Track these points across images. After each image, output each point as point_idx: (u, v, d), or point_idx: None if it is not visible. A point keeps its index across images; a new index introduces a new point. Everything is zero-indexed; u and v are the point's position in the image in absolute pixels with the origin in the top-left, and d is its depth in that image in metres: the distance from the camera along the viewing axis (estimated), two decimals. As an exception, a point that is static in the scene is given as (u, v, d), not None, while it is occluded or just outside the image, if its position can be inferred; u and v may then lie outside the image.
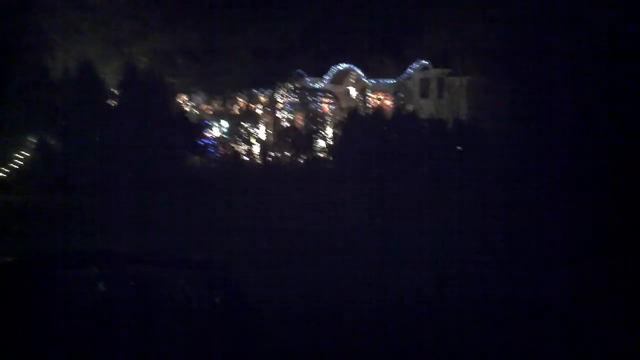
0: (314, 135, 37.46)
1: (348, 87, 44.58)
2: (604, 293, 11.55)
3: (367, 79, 42.97)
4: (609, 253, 15.42)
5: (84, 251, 14.64)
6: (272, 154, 37.90)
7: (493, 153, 33.51)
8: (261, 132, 41.27)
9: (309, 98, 42.14)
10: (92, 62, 27.07)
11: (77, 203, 23.90)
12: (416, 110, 36.06)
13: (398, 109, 38.53)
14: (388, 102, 41.66)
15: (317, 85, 44.09)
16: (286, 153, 37.11)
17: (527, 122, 35.79)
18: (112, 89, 28.30)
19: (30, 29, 27.53)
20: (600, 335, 9.48)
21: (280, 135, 40.11)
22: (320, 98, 42.89)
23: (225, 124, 40.79)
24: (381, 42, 42.73)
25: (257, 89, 42.85)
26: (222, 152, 35.79)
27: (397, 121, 33.68)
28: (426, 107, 40.06)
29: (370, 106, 41.83)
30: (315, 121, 41.58)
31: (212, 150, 34.67)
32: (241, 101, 44.03)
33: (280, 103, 41.09)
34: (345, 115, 42.34)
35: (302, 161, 35.63)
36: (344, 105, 43.59)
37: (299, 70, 43.33)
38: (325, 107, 43.33)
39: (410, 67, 42.36)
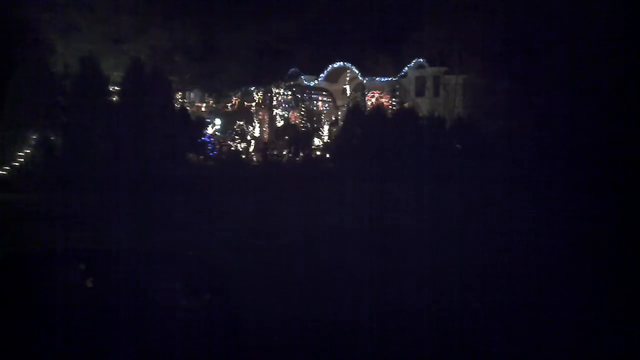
0: (309, 133, 37.31)
1: (344, 86, 44.51)
2: (606, 293, 11.45)
3: (362, 77, 42.88)
4: (610, 252, 15.41)
5: (70, 248, 14.57)
6: (268, 151, 37.74)
7: (488, 151, 33.56)
8: (256, 130, 41.12)
9: (304, 96, 42.08)
10: (93, 58, 26.71)
11: (76, 200, 23.57)
12: (412, 108, 35.97)
13: (394, 107, 38.50)
14: (383, 100, 41.60)
15: (311, 84, 44.02)
16: (282, 151, 36.95)
17: (523, 120, 35.99)
18: (114, 86, 27.94)
19: (31, 24, 27.12)
20: (602, 337, 9.35)
21: (276, 133, 40.01)
22: (316, 96, 42.88)
23: (218, 121, 40.62)
24: (377, 40, 42.63)
25: (252, 87, 42.65)
26: (218, 150, 35.56)
27: (394, 119, 33.54)
28: (422, 106, 40.03)
29: (365, 104, 41.77)
30: (311, 119, 41.57)
31: (210, 148, 34.46)
32: (235, 99, 43.89)
33: (275, 101, 40.91)
34: (340, 113, 42.53)
35: (298, 159, 35.50)
36: (339, 103, 43.62)
37: (294, 69, 43.23)
38: (321, 105, 43.34)
39: (407, 66, 42.40)
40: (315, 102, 42.72)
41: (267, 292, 11.71)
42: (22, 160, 25.83)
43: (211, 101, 43.67)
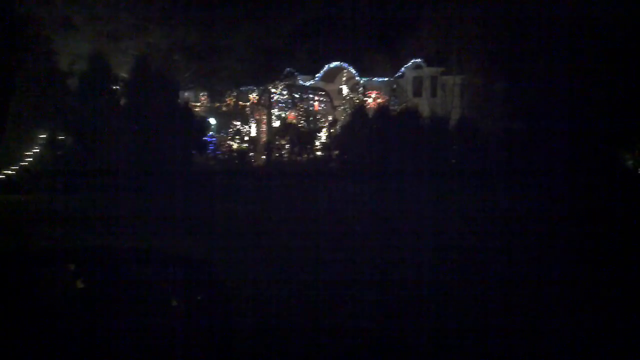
0: (311, 133, 37.09)
1: (340, 86, 44.35)
2: (607, 293, 11.50)
3: (359, 77, 42.75)
4: (609, 251, 15.48)
5: (60, 248, 14.37)
6: (265, 151, 37.48)
7: (485, 152, 33.70)
8: (252, 130, 40.79)
9: (301, 95, 41.83)
10: (101, 56, 26.20)
11: (83, 201, 23.12)
12: (409, 108, 35.96)
13: (391, 107, 38.39)
14: (380, 101, 41.51)
15: (308, 83, 43.79)
16: (282, 151, 36.69)
17: (520, 120, 36.20)
18: (119, 84, 27.44)
19: (35, 23, 26.50)
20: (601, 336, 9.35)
21: (276, 133, 39.71)
22: (313, 96, 42.65)
23: (213, 121, 40.25)
24: (374, 40, 42.67)
25: (248, 87, 42.32)
26: (220, 150, 35.23)
27: (392, 119, 33.47)
28: (419, 106, 40.03)
29: (362, 104, 41.66)
30: (309, 119, 41.35)
31: (212, 148, 34.11)
32: (230, 99, 43.51)
33: (271, 101, 40.59)
34: (337, 113, 42.40)
35: (301, 159, 35.28)
36: (336, 103, 43.44)
37: (290, 68, 42.97)
38: (317, 105, 43.12)
39: (404, 66, 42.41)
40: (312, 102, 42.48)
41: (267, 293, 11.55)
42: (30, 160, 25.21)
43: (205, 100, 43.28)
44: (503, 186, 28.21)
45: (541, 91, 36.11)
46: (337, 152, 34.37)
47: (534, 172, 30.40)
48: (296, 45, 42.63)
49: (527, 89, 36.68)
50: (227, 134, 39.89)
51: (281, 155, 35.34)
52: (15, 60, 25.79)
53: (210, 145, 33.97)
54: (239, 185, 27.51)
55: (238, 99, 42.92)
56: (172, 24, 36.61)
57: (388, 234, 17.81)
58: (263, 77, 41.52)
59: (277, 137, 37.47)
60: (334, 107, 43.05)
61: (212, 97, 41.92)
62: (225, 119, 41.38)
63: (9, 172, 24.95)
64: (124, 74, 28.61)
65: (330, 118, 42.17)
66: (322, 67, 43.86)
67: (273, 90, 40.42)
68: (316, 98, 42.83)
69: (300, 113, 40.85)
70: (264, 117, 41.25)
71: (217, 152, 34.81)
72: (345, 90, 43.93)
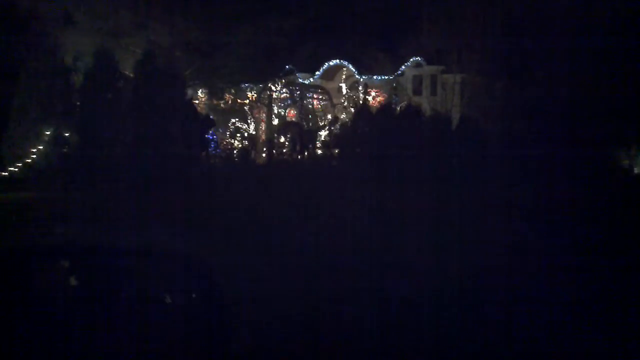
0: (313, 131, 36.93)
1: (339, 84, 44.17)
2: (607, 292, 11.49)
3: (359, 75, 42.60)
4: (610, 251, 15.46)
5: (54, 243, 14.23)
6: (264, 149, 37.31)
7: (486, 150, 33.65)
8: (251, 127, 40.55)
9: (301, 94, 41.63)
10: (107, 52, 25.86)
11: (89, 198, 22.81)
12: (413, 106, 35.86)
13: (392, 105, 38.24)
14: (380, 99, 41.39)
15: (307, 81, 43.58)
16: (283, 149, 36.49)
17: (521, 119, 36.20)
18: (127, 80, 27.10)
19: (38, 19, 26.16)
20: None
21: (277, 131, 39.52)
22: (312, 94, 42.47)
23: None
24: (374, 38, 42.52)
25: (247, 84, 42.05)
26: (221, 148, 34.98)
27: (396, 117, 33.37)
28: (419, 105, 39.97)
29: (362, 102, 41.53)
30: (308, 117, 41.20)
31: (214, 145, 33.84)
32: (228, 96, 43.23)
33: (272, 99, 40.36)
34: (337, 111, 42.27)
35: (304, 157, 35.09)
36: (335, 101, 43.28)
37: (289, 66, 42.70)
38: (317, 103, 42.95)
39: (404, 64, 42.30)
40: (312, 100, 42.30)
41: (263, 288, 11.25)
42: (35, 156, 24.83)
43: (204, 98, 42.91)
44: (506, 184, 28.11)
45: (541, 90, 36.17)
46: (338, 150, 34.20)
47: (532, 171, 30.47)
48: (295, 43, 42.32)
49: (528, 88, 36.73)
50: (226, 131, 39.62)
51: (283, 153, 35.13)
52: (19, 57, 25.46)
53: (212, 143, 33.68)
54: (246, 184, 27.27)
55: (236, 96, 42.66)
56: (173, 20, 36.21)
57: (398, 234, 17.69)
58: (262, 75, 41.21)
59: (278, 136, 37.28)
60: (334, 106, 42.88)
61: (211, 95, 41.54)
62: (224, 117, 41.10)
63: (13, 169, 24.58)
64: (126, 72, 28.23)
65: (329, 116, 42.04)
66: (322, 65, 43.69)
67: (273, 88, 40.19)
68: (316, 96, 42.65)
69: (301, 111, 40.67)
70: (263, 115, 41.04)
71: (218, 150, 34.53)
72: (344, 88, 43.76)
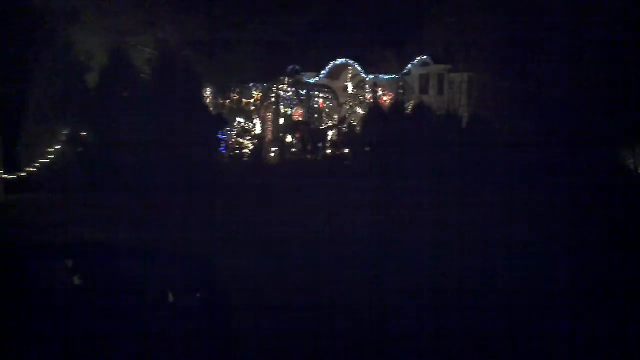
0: (324, 131, 36.65)
1: (345, 83, 43.90)
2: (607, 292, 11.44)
3: (365, 74, 42.34)
4: (612, 251, 15.44)
5: (58, 243, 14.14)
6: (272, 149, 37.01)
7: (494, 150, 33.57)
8: (257, 127, 40.19)
9: (308, 93, 41.35)
10: (124, 50, 25.45)
11: (106, 200, 22.49)
12: (424, 105, 35.69)
13: (399, 104, 38.05)
14: (387, 98, 41.15)
15: (312, 81, 43.27)
16: (291, 149, 36.20)
17: (528, 119, 36.16)
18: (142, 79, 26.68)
19: (52, 16, 25.71)
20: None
21: (281, 131, 39.23)
22: (319, 93, 42.20)
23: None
24: (380, 37, 42.27)
25: (254, 84, 41.67)
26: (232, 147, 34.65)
27: (403, 116, 33.23)
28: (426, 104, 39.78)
29: (368, 102, 41.32)
30: (315, 117, 40.99)
31: (224, 145, 33.50)
32: (233, 95, 42.81)
33: (276, 98, 40.04)
34: (344, 111, 42.02)
35: (310, 157, 34.80)
36: (342, 100, 43.03)
37: (294, 65, 42.33)
38: (324, 102, 42.68)
39: (410, 63, 42.09)
40: (318, 99, 42.04)
41: (266, 291, 11.26)
42: (52, 157, 24.37)
43: (209, 97, 42.47)
44: (506, 188, 27.98)
45: (548, 90, 36.14)
46: (350, 150, 34.02)
47: (537, 171, 30.47)
48: (301, 42, 42.04)
49: (534, 87, 36.67)
50: (232, 131, 39.22)
51: (294, 153, 34.83)
52: (33, 55, 25.01)
53: (222, 143, 33.38)
54: (262, 184, 26.99)
55: (242, 95, 42.24)
56: (180, 19, 35.80)
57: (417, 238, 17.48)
58: (267, 74, 40.91)
59: (287, 135, 37.03)
60: (340, 105, 42.63)
61: (217, 94, 41.11)
62: (229, 116, 40.69)
63: (31, 169, 24.11)
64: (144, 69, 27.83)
65: (336, 116, 41.79)
66: (327, 64, 43.38)
67: (282, 87, 39.90)
68: (322, 95, 42.39)
69: (307, 111, 40.42)
70: (269, 114, 40.71)
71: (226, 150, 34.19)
72: (350, 87, 43.50)
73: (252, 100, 41.84)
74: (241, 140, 36.76)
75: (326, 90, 42.67)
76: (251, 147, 35.29)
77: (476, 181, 29.16)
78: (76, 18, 28.17)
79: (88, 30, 28.27)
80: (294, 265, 13.62)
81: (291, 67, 42.20)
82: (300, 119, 40.69)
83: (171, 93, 24.99)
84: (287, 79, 40.54)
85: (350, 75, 43.70)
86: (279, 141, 36.13)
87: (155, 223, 18.92)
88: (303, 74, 42.78)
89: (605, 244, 16.37)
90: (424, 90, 41.79)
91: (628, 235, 17.79)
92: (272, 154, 35.35)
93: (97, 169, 23.77)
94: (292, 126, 37.31)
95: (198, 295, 6.11)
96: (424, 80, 41.90)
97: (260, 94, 41.39)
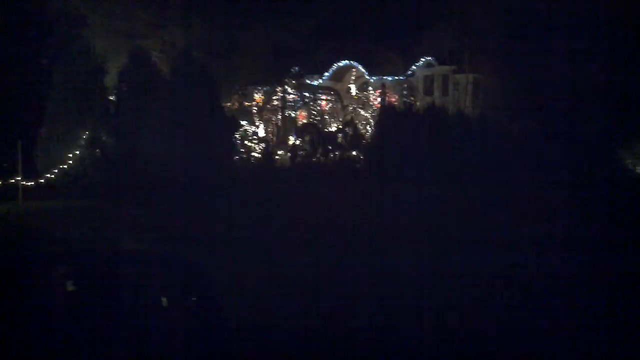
0: (333, 134, 36.34)
1: (348, 85, 43.62)
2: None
3: (368, 75, 42.08)
4: (614, 251, 15.48)
5: (53, 251, 13.94)
6: (278, 152, 36.66)
7: (499, 151, 33.51)
8: (260, 129, 39.78)
9: (312, 95, 41.03)
10: (144, 52, 24.94)
11: (128, 205, 21.98)
12: (440, 107, 35.48)
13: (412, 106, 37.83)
14: (393, 100, 40.89)
15: (315, 83, 42.93)
16: (302, 152, 35.80)
17: (532, 120, 36.19)
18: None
19: (77, 16, 25.20)
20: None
21: (287, 133, 38.88)
22: (323, 95, 41.90)
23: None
24: (384, 38, 42.08)
25: (257, 86, 41.24)
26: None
27: (426, 118, 32.98)
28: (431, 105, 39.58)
29: (373, 103, 41.12)
30: (321, 119, 40.70)
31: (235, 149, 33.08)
32: (235, 98, 42.35)
33: (280, 101, 39.67)
34: (346, 113, 41.76)
35: (321, 160, 34.45)
36: (345, 102, 42.76)
37: (296, 68, 41.91)
38: (326, 104, 42.41)
39: (415, 64, 41.87)
40: (321, 101, 41.75)
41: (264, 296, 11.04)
42: (71, 162, 23.75)
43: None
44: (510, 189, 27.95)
45: (550, 90, 36.18)
46: (356, 153, 33.80)
47: (542, 173, 30.50)
48: (305, 44, 41.70)
49: (537, 88, 36.69)
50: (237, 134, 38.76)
51: (301, 155, 34.40)
52: (49, 58, 24.47)
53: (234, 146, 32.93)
54: (284, 189, 26.62)
55: (244, 98, 41.78)
56: (187, 23, 35.35)
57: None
58: (270, 77, 40.52)
59: (296, 137, 36.68)
60: (344, 107, 42.36)
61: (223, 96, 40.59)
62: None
63: (50, 175, 23.49)
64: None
65: (340, 119, 41.51)
66: (330, 66, 43.06)
67: (287, 89, 39.54)
68: (325, 97, 42.11)
69: (313, 113, 40.13)
70: (273, 117, 40.35)
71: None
72: (354, 89, 43.25)
73: (253, 103, 41.46)
74: (248, 144, 36.28)
75: (330, 92, 42.38)
76: (265, 150, 34.78)
77: (484, 181, 29.10)
78: (92, 22, 27.63)
79: (104, 33, 27.79)
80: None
81: (293, 69, 41.84)
82: (304, 121, 40.37)
83: (196, 97, 24.49)
84: (291, 81, 40.18)
85: (353, 77, 43.44)
86: (293, 144, 35.73)
87: (174, 232, 18.42)
88: (309, 75, 42.46)
89: (604, 242, 16.42)
90: (428, 91, 41.58)
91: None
92: (276, 156, 34.93)
93: (116, 175, 23.19)
94: (302, 128, 36.92)
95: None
96: (429, 81, 41.71)
97: (261, 96, 41.02)
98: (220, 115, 26.81)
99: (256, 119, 40.29)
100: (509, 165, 31.34)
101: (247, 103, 41.76)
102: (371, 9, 41.93)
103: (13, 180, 22.44)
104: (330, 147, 34.57)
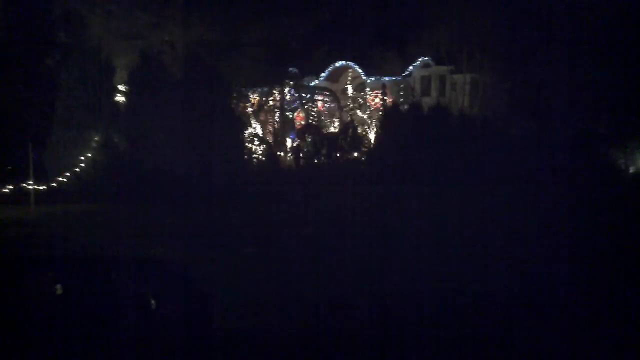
0: (335, 135, 35.96)
1: (345, 85, 43.31)
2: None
3: (365, 76, 41.81)
4: (614, 251, 15.48)
5: (40, 255, 13.64)
6: (276, 153, 36.20)
7: (495, 151, 33.49)
8: (257, 131, 39.26)
9: (310, 96, 40.65)
10: (155, 52, 24.30)
11: (140, 211, 21.40)
12: (444, 106, 35.27)
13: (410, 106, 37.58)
14: (388, 100, 40.68)
15: (312, 84, 42.56)
16: (304, 153, 35.38)
17: (531, 120, 36.23)
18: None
19: (77, 19, 24.44)
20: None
21: (286, 134, 38.45)
22: (320, 96, 41.57)
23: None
24: (381, 38, 41.86)
25: (253, 87, 40.70)
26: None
27: (431, 118, 32.73)
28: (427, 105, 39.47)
29: (369, 104, 40.86)
30: (318, 120, 40.35)
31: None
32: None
33: (283, 101, 39.20)
34: (343, 113, 41.46)
35: (326, 162, 34.07)
36: (343, 103, 42.45)
37: (292, 68, 41.50)
38: (322, 105, 42.08)
39: (412, 65, 41.72)
40: (320, 102, 41.40)
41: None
42: (83, 165, 22.99)
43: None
44: (509, 192, 27.94)
45: (544, 90, 36.30)
46: (357, 154, 33.49)
47: (542, 174, 30.52)
48: (301, 45, 41.28)
49: (533, 88, 36.77)
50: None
51: (303, 157, 33.96)
52: (57, 59, 23.71)
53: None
54: (294, 192, 26.23)
55: (240, 100, 41.19)
56: (184, 23, 34.70)
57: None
58: (267, 78, 39.99)
59: (297, 140, 36.21)
60: (341, 108, 42.05)
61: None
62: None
63: (62, 179, 22.72)
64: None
65: (338, 120, 41.21)
66: (326, 66, 42.74)
67: (284, 90, 39.08)
68: (324, 98, 41.77)
69: (311, 114, 39.75)
70: (270, 118, 39.83)
71: None
72: (350, 90, 42.95)
73: (247, 104, 40.90)
74: (249, 145, 35.71)
75: (327, 93, 42.05)
76: (270, 152, 34.25)
77: (485, 182, 28.99)
78: (95, 22, 26.90)
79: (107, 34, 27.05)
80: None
81: (289, 70, 41.41)
82: (302, 122, 39.96)
83: (207, 97, 23.90)
84: (289, 82, 39.75)
85: (349, 78, 43.14)
86: (284, 145, 35.31)
87: (186, 236, 17.85)
88: (306, 77, 42.07)
89: (598, 244, 16.36)
90: (425, 91, 41.45)
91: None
92: (282, 158, 34.50)
93: (129, 178, 22.53)
94: (303, 129, 36.48)
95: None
96: (426, 81, 41.58)
97: (256, 97, 40.49)
98: (232, 117, 26.22)
99: (253, 120, 39.75)
100: (510, 166, 31.28)
101: (243, 104, 41.20)
102: (367, 10, 41.62)
103: (24, 185, 21.65)
104: (333, 149, 34.14)
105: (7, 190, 21.85)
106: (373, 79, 41.57)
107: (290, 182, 28.47)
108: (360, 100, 41.72)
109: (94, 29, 25.96)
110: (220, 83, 25.67)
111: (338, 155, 34.87)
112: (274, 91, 39.63)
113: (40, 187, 22.17)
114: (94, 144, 22.86)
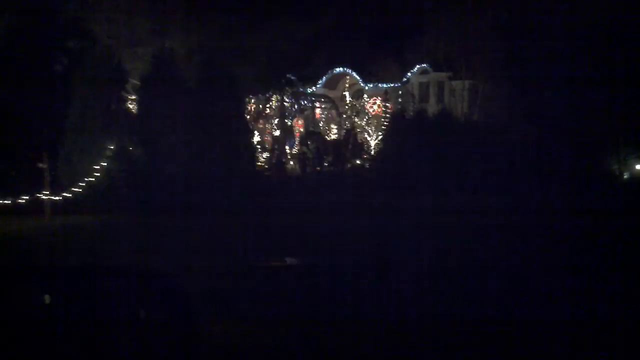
0: (340, 142, 35.74)
1: (343, 92, 43.10)
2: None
3: (363, 83, 41.66)
4: (614, 252, 15.63)
5: (27, 265, 13.35)
6: (274, 160, 35.87)
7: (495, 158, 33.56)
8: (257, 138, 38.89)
9: (308, 103, 40.40)
10: (170, 56, 23.82)
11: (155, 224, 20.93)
12: (449, 112, 35.26)
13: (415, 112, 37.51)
14: (386, 106, 40.54)
15: (309, 90, 42.29)
16: (308, 160, 35.09)
17: (529, 126, 36.34)
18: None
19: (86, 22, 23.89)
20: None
21: (284, 141, 38.11)
22: (319, 103, 41.34)
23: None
24: (379, 45, 41.77)
25: (251, 95, 40.34)
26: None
27: (436, 125, 32.64)
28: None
29: (367, 111, 40.73)
30: (319, 127, 40.14)
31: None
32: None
33: (283, 108, 38.88)
34: (342, 120, 41.28)
35: (338, 169, 33.80)
36: (341, 110, 42.25)
37: (290, 75, 41.15)
38: (320, 112, 41.87)
39: (410, 71, 41.64)
40: (318, 109, 41.17)
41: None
42: (98, 174, 22.39)
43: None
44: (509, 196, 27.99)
45: (541, 96, 36.45)
46: (360, 161, 33.35)
47: (540, 179, 30.64)
48: (299, 52, 41.05)
49: (530, 94, 36.89)
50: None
51: (313, 165, 33.65)
52: (66, 65, 23.16)
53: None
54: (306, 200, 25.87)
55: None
56: (183, 29, 34.27)
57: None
58: (266, 85, 39.71)
59: (300, 146, 35.93)
60: (340, 115, 41.84)
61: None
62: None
63: (77, 189, 22.11)
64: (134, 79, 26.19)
65: (336, 127, 41.02)
66: (324, 73, 42.51)
67: (283, 97, 38.76)
68: (322, 105, 41.55)
69: (312, 121, 39.54)
70: (268, 125, 39.50)
71: None
72: (348, 97, 42.75)
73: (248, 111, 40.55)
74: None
75: (325, 100, 41.81)
76: (278, 160, 33.87)
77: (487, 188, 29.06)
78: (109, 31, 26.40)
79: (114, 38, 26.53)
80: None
81: (289, 76, 41.10)
82: (300, 129, 39.71)
83: (220, 104, 23.48)
84: (287, 89, 39.45)
85: (347, 85, 42.97)
86: (283, 152, 34.99)
87: (199, 249, 17.42)
88: (299, 83, 41.75)
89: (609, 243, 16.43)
90: (423, 98, 41.40)
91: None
92: (300, 167, 34.15)
93: (145, 188, 22.02)
94: (306, 136, 36.20)
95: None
96: (424, 88, 41.55)
97: (254, 104, 40.16)
98: (245, 124, 25.83)
99: (251, 127, 39.39)
100: (511, 171, 31.35)
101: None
102: (365, 17, 41.55)
103: (39, 195, 21.05)
104: (337, 156, 33.90)
105: (22, 200, 21.22)
106: (371, 85, 41.47)
107: (302, 190, 28.12)
108: (358, 107, 41.54)
109: (103, 36, 25.38)
110: (236, 89, 25.20)
111: (342, 162, 34.69)
112: (272, 98, 39.29)
113: (56, 198, 21.56)
114: (108, 153, 22.31)
